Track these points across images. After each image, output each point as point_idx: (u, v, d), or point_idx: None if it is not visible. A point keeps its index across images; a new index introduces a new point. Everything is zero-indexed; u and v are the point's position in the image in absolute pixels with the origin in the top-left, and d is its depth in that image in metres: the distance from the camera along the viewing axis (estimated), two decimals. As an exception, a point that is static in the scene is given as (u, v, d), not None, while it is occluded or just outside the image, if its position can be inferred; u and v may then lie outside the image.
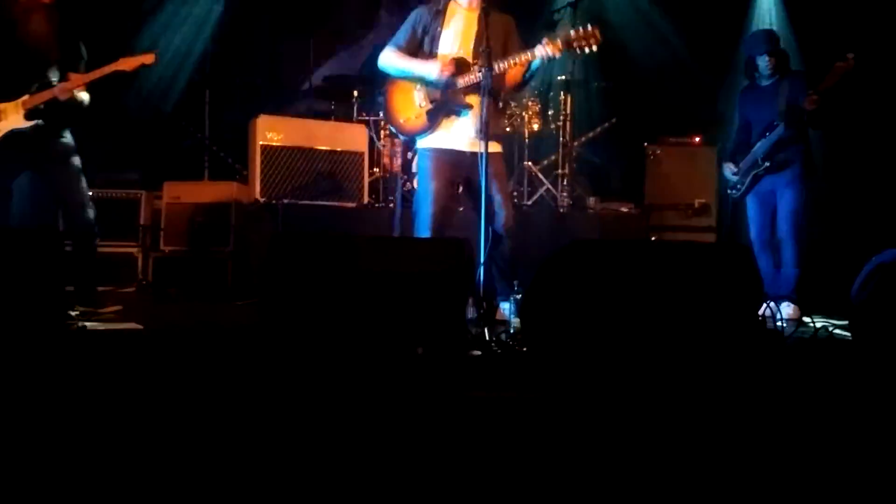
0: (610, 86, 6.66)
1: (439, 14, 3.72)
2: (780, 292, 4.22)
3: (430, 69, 3.65)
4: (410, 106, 3.74)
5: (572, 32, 3.48)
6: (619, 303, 2.34)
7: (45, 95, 3.71)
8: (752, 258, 2.46)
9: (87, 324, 3.40)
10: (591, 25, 3.47)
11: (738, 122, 4.73)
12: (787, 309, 4.05)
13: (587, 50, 3.45)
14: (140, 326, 3.51)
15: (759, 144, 4.39)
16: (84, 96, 3.81)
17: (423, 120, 3.70)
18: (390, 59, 3.79)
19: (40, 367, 2.27)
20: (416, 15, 3.81)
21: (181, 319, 4.10)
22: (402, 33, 3.80)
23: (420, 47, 3.76)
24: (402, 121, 3.77)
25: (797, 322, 3.01)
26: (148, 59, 3.87)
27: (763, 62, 4.39)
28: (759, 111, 4.46)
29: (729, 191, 4.68)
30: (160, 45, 6.05)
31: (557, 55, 3.49)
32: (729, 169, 4.60)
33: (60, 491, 1.84)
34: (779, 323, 2.59)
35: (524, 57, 3.53)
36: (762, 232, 4.50)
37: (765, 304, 2.59)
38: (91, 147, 4.00)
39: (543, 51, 3.46)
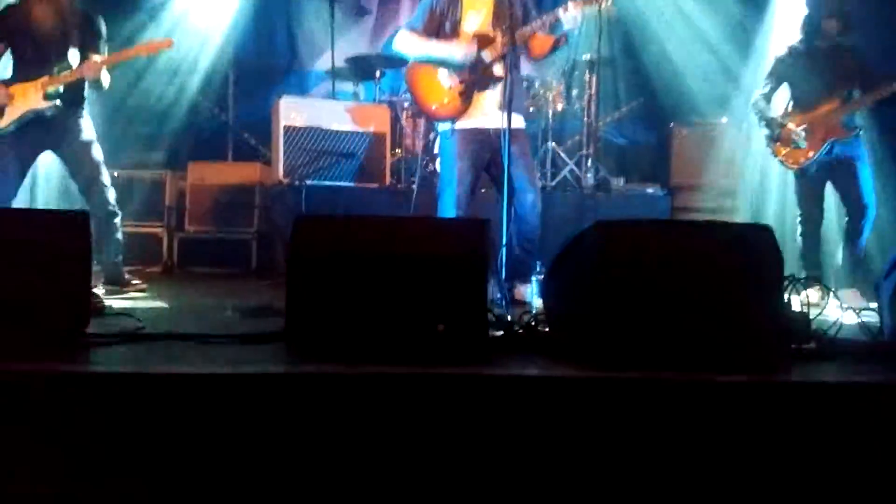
0: (635, 66, 6.58)
1: None
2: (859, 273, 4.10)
3: (455, 50, 3.59)
4: (439, 90, 3.67)
5: None
6: (642, 283, 2.32)
7: (70, 76, 3.75)
8: (774, 238, 2.42)
9: (112, 303, 3.45)
10: None
11: (772, 83, 4.35)
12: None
13: (605, 2, 3.40)
14: (165, 305, 3.56)
15: (846, 114, 4.11)
16: (105, 78, 3.84)
17: (458, 102, 3.64)
18: (407, 43, 3.70)
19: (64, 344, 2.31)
20: None
21: (205, 299, 4.15)
22: (420, 15, 3.72)
23: (440, 28, 3.71)
24: (434, 107, 3.69)
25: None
26: (165, 44, 3.94)
27: (830, 23, 4.11)
28: (815, 76, 4.18)
29: (777, 144, 4.24)
30: (183, 28, 6.08)
31: (580, 12, 3.42)
32: (797, 128, 4.14)
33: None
34: (804, 305, 2.54)
35: (547, 18, 3.48)
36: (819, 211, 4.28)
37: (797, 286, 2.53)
38: (117, 128, 4.05)
39: (564, 11, 3.42)
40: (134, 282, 3.94)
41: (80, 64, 3.76)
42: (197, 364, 2.17)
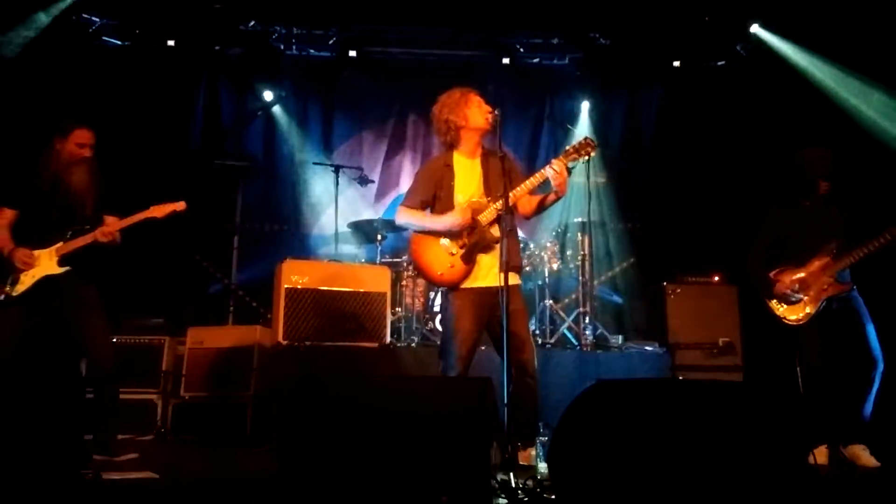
0: (627, 227, 6.81)
1: (449, 168, 3.86)
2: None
3: (451, 222, 3.73)
4: (443, 256, 3.77)
5: (569, 148, 3.66)
6: (649, 445, 2.26)
7: (83, 241, 3.78)
8: (779, 398, 2.38)
9: (103, 473, 3.32)
10: (586, 137, 3.69)
11: (763, 241, 4.46)
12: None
13: (588, 157, 3.66)
14: (156, 475, 3.43)
15: (839, 270, 4.19)
16: (117, 238, 3.86)
17: (461, 266, 3.73)
18: (408, 220, 3.85)
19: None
20: (428, 172, 3.91)
21: (197, 468, 4.00)
22: (417, 191, 3.87)
23: (435, 197, 3.87)
24: (439, 274, 3.77)
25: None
26: (179, 206, 3.94)
27: (824, 186, 4.30)
28: (805, 233, 4.31)
29: (789, 312, 4.31)
30: (189, 193, 6.30)
31: (563, 168, 3.59)
32: (790, 283, 4.25)
33: None
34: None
35: (535, 179, 3.65)
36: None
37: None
38: (117, 293, 4.06)
39: (550, 169, 3.60)
40: (124, 455, 3.78)
41: (94, 228, 3.79)
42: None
